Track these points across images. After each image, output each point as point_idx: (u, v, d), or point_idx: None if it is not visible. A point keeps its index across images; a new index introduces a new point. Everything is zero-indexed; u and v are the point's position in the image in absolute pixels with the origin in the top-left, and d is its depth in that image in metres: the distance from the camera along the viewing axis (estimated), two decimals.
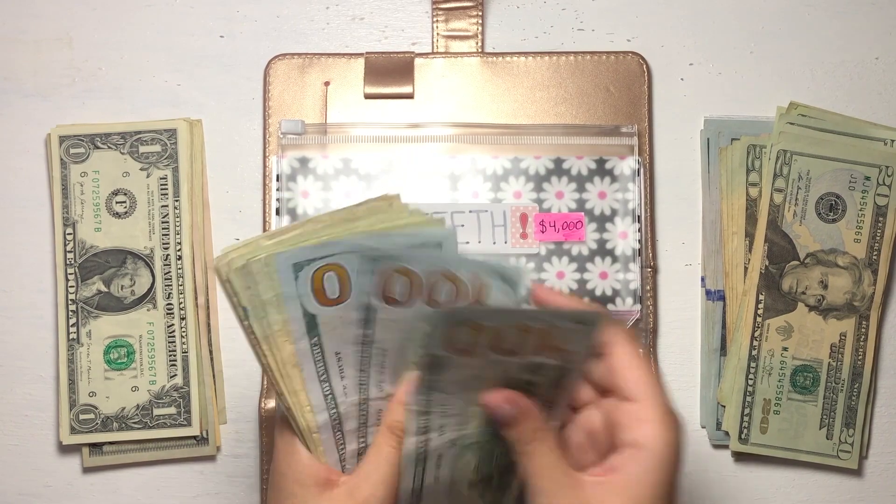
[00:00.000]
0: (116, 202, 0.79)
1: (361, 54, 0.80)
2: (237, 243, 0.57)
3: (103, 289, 0.78)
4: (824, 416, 0.78)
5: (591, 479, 0.57)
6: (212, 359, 0.78)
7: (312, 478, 0.59)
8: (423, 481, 0.61)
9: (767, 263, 0.78)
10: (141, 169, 0.79)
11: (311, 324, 0.57)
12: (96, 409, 0.77)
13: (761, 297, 0.78)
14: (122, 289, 0.78)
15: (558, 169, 0.78)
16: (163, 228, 0.78)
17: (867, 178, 0.78)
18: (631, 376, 0.58)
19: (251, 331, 0.57)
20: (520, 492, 0.61)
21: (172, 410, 0.77)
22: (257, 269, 0.56)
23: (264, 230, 0.79)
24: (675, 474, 0.57)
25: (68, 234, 0.78)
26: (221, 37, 0.81)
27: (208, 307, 0.79)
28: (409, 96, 0.80)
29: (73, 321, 0.78)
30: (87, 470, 0.79)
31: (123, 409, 0.77)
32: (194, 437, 0.78)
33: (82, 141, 0.79)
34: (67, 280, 0.78)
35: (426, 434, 0.60)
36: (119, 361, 0.78)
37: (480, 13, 0.81)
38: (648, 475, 0.56)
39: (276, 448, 0.61)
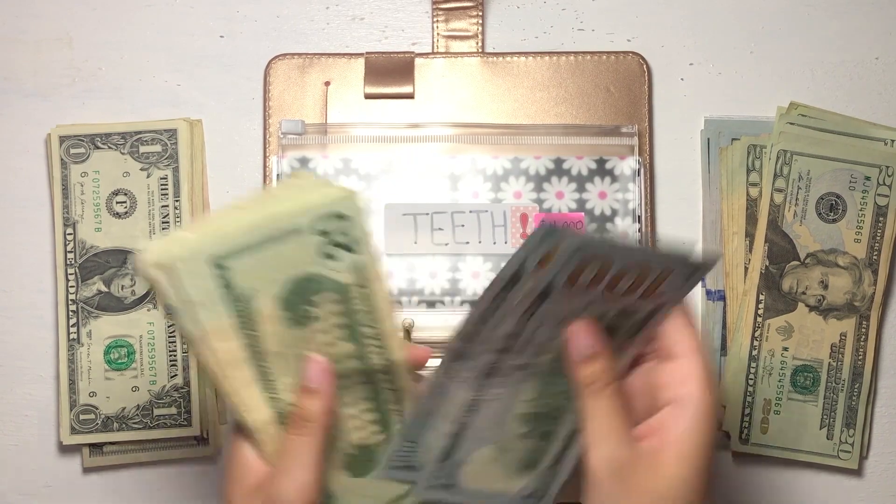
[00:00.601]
0: (117, 202, 0.79)
1: (361, 54, 0.80)
2: (159, 240, 0.55)
3: (104, 289, 0.78)
4: (824, 417, 0.78)
5: (639, 436, 0.58)
6: None
7: (251, 478, 0.59)
8: (482, 396, 0.62)
9: (768, 263, 0.78)
10: (141, 169, 0.79)
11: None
12: (97, 409, 0.77)
13: (761, 297, 0.78)
14: (122, 289, 0.78)
15: (558, 169, 0.78)
16: (163, 228, 0.78)
17: (867, 178, 0.78)
18: (677, 336, 0.58)
19: (185, 330, 0.56)
20: (563, 446, 0.62)
21: (173, 411, 0.77)
22: (176, 266, 0.54)
23: None
24: (714, 435, 0.57)
25: (68, 234, 0.78)
26: (221, 37, 0.81)
27: None
28: (409, 96, 0.80)
29: (73, 321, 0.78)
30: (87, 470, 0.79)
31: (124, 409, 0.77)
32: (194, 438, 0.78)
33: (82, 141, 0.79)
34: (68, 280, 0.78)
35: (506, 353, 0.59)
36: (119, 361, 0.78)
37: (480, 13, 0.81)
38: (695, 431, 0.56)
39: (226, 449, 0.60)
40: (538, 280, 0.55)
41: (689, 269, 0.57)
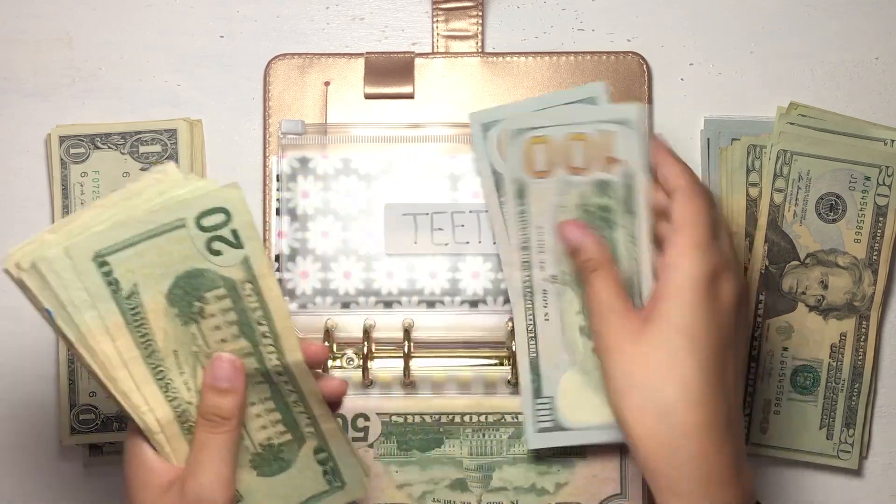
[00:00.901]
0: None
1: (361, 54, 0.80)
2: (22, 242, 0.54)
3: None
4: (824, 417, 0.78)
5: (643, 310, 0.63)
6: None
7: (157, 479, 0.58)
8: (535, 319, 0.70)
9: (767, 263, 0.78)
10: (141, 169, 0.79)
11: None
12: (96, 409, 0.77)
13: (761, 298, 0.78)
14: None
15: None
16: None
17: (867, 178, 0.78)
18: (679, 211, 0.63)
19: (62, 332, 0.54)
20: None
21: None
22: (45, 268, 0.53)
23: (264, 230, 0.79)
24: (707, 294, 0.61)
25: None
26: (221, 37, 0.81)
27: None
28: (409, 96, 0.80)
29: None
30: (87, 470, 0.79)
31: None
32: None
33: (82, 141, 0.79)
34: None
35: (528, 270, 0.70)
36: None
37: (480, 13, 0.81)
38: (675, 294, 0.61)
39: (124, 452, 0.60)
40: (509, 181, 0.66)
41: (619, 123, 0.66)
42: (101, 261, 0.53)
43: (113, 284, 0.54)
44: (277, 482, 0.61)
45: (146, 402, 0.57)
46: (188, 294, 0.56)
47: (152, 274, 0.55)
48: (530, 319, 0.71)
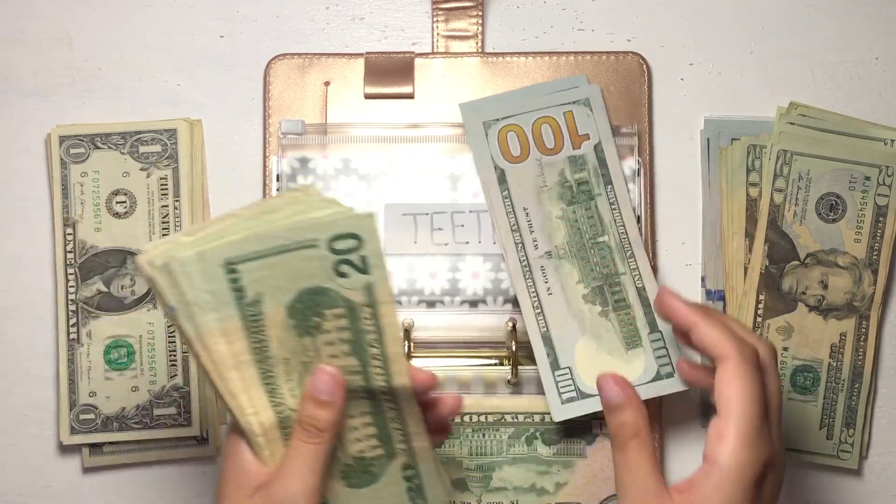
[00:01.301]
0: (116, 202, 0.79)
1: (361, 54, 0.80)
2: (158, 241, 0.56)
3: (103, 289, 0.78)
4: (824, 416, 0.78)
5: (675, 492, 0.57)
6: None
7: (249, 481, 0.58)
8: (538, 295, 0.72)
9: (767, 263, 0.78)
10: (141, 169, 0.79)
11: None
12: (96, 409, 0.77)
13: (761, 298, 0.78)
14: (122, 289, 0.78)
15: None
16: (163, 228, 0.78)
17: (867, 178, 0.78)
18: (725, 391, 0.58)
19: (182, 329, 0.56)
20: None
21: (173, 410, 0.77)
22: (176, 268, 0.54)
23: None
24: (753, 496, 0.57)
25: (68, 234, 0.78)
26: (221, 37, 0.81)
27: None
28: (409, 96, 0.80)
29: (73, 321, 0.78)
30: (87, 470, 0.79)
31: (123, 409, 0.77)
32: (194, 438, 0.78)
33: (82, 141, 0.79)
34: (67, 280, 0.78)
35: (523, 250, 0.73)
36: (119, 361, 0.78)
37: (480, 13, 0.81)
38: (717, 494, 0.56)
39: (223, 449, 0.60)
40: (489, 168, 0.69)
41: (581, 100, 0.71)
42: (230, 268, 0.55)
43: (238, 291, 0.56)
44: (363, 494, 0.62)
45: (252, 405, 0.58)
46: (308, 309, 0.57)
47: (277, 286, 0.56)
48: (534, 296, 0.73)
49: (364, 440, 0.61)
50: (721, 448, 0.57)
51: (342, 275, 0.56)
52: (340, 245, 0.56)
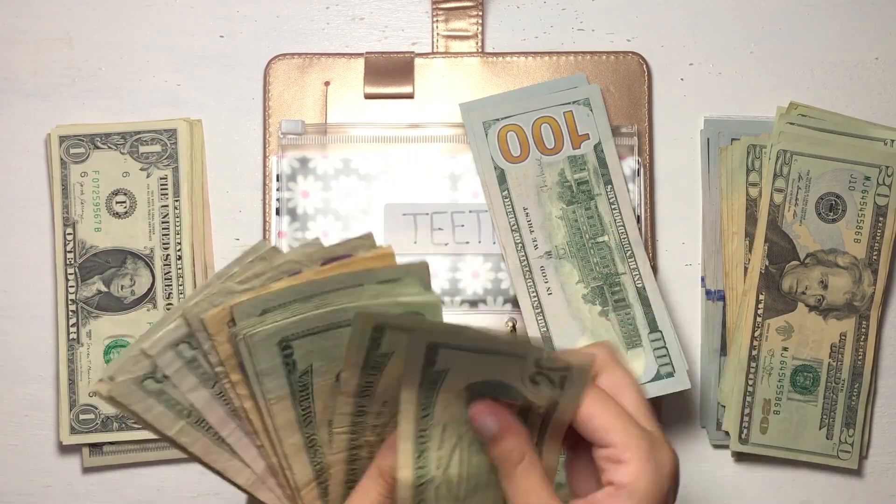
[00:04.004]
0: (116, 202, 0.79)
1: (361, 54, 0.80)
2: (239, 293, 0.54)
3: (103, 289, 0.78)
4: (824, 416, 0.78)
5: None
6: None
7: None
8: (538, 295, 0.72)
9: (767, 263, 0.78)
10: (141, 169, 0.79)
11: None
12: (96, 409, 0.77)
13: (761, 297, 0.78)
14: (122, 289, 0.78)
15: None
16: (163, 228, 0.78)
17: (867, 178, 0.78)
18: (600, 424, 0.55)
19: (247, 385, 0.55)
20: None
21: None
22: (256, 341, 0.54)
23: (264, 230, 0.79)
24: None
25: (68, 234, 0.78)
26: (221, 37, 0.81)
27: None
28: (409, 96, 0.80)
29: (73, 321, 0.78)
30: (87, 470, 0.79)
31: None
32: None
33: (82, 141, 0.79)
34: (67, 280, 0.78)
35: (523, 250, 0.73)
36: None
37: (480, 13, 0.81)
38: None
39: None
40: (489, 168, 0.69)
41: (581, 100, 0.68)
42: (285, 345, 0.55)
43: (290, 365, 0.55)
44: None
45: (293, 468, 0.58)
46: (360, 379, 0.56)
47: (331, 359, 0.56)
48: (534, 296, 0.73)
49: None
50: (622, 472, 0.54)
51: (389, 352, 0.55)
52: (394, 326, 0.54)
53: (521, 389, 0.55)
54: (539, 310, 0.73)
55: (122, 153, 0.79)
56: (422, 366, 0.53)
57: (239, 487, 0.58)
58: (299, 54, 0.80)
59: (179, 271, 0.78)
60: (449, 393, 0.55)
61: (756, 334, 0.78)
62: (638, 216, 0.77)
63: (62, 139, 0.79)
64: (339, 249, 0.56)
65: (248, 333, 0.54)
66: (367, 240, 0.56)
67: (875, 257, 0.78)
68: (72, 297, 0.78)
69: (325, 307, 0.55)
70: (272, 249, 0.55)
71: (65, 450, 0.79)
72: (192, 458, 0.57)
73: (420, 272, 0.55)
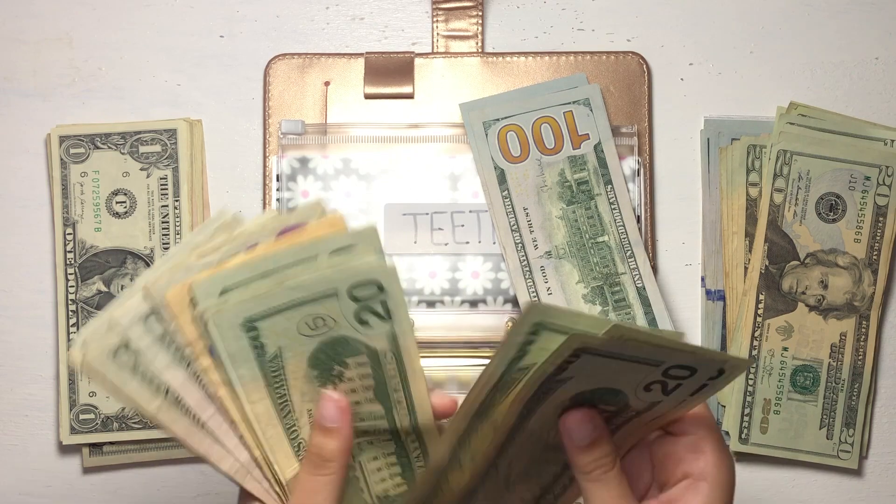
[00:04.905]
0: (116, 202, 0.79)
1: (361, 54, 0.80)
2: (165, 262, 0.53)
3: (103, 289, 0.78)
4: (824, 416, 0.78)
5: None
6: None
7: None
8: (538, 295, 0.71)
9: (767, 263, 0.78)
10: (141, 169, 0.79)
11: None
12: (96, 409, 0.77)
13: (761, 297, 0.78)
14: (122, 289, 0.78)
15: None
16: (163, 228, 0.78)
17: (867, 178, 0.78)
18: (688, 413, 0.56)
19: (219, 371, 0.54)
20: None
21: None
22: (214, 324, 0.53)
23: None
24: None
25: (68, 234, 0.78)
26: (221, 37, 0.81)
27: None
28: (409, 96, 0.80)
29: (73, 321, 0.78)
30: (87, 470, 0.79)
31: (123, 409, 0.77)
32: None
33: (82, 141, 0.79)
34: (67, 280, 0.78)
35: (523, 250, 0.73)
36: None
37: (480, 13, 0.81)
38: None
39: None
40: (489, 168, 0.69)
41: (581, 100, 0.67)
42: (250, 325, 0.54)
43: (259, 348, 0.54)
44: None
45: (283, 457, 0.56)
46: (330, 359, 0.56)
47: (298, 339, 0.55)
48: (534, 296, 0.74)
49: (389, 479, 0.60)
50: (704, 463, 0.55)
51: (364, 322, 0.55)
52: (361, 292, 0.54)
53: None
54: None
55: (122, 153, 0.79)
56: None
57: (224, 474, 0.57)
58: (299, 54, 0.80)
59: None
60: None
61: (756, 334, 0.78)
62: (638, 216, 0.77)
63: (62, 139, 0.79)
64: (291, 219, 0.55)
65: (212, 313, 0.52)
66: (317, 207, 0.56)
67: (875, 257, 0.78)
68: (72, 297, 0.78)
69: (284, 283, 0.53)
70: (234, 218, 0.55)
71: (65, 450, 0.79)
72: (177, 440, 0.55)
73: (371, 237, 0.54)
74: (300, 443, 0.57)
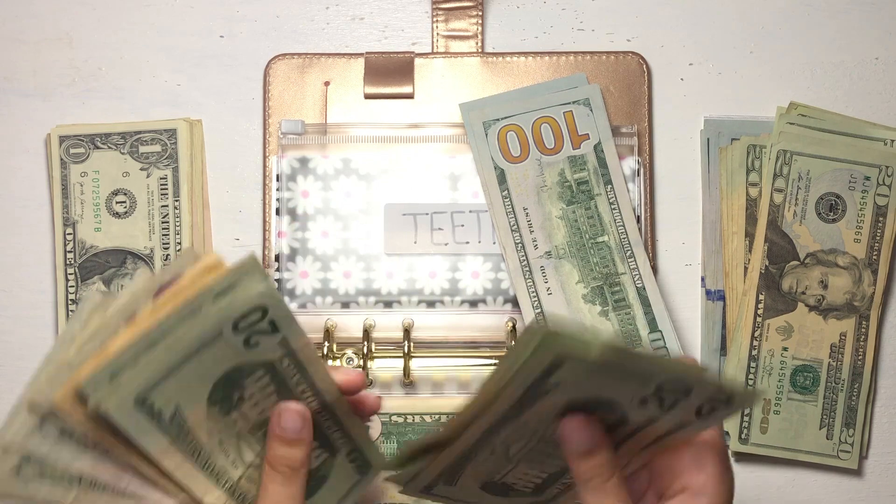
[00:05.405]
0: (116, 202, 0.79)
1: (361, 54, 0.80)
2: (49, 367, 0.51)
3: (103, 289, 0.78)
4: (824, 416, 0.78)
5: None
6: None
7: None
8: (538, 295, 0.71)
9: (767, 263, 0.78)
10: (141, 169, 0.79)
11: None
12: None
13: (761, 297, 0.78)
14: (122, 289, 0.78)
15: None
16: (163, 228, 0.78)
17: (867, 178, 0.78)
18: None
19: (125, 445, 0.53)
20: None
21: None
22: (114, 411, 0.51)
23: (264, 230, 0.79)
24: None
25: (68, 234, 0.78)
26: (221, 37, 0.81)
27: None
28: (409, 96, 0.80)
29: None
30: None
31: None
32: None
33: (82, 141, 0.79)
34: (67, 280, 0.78)
35: (523, 250, 0.73)
36: None
37: (480, 13, 0.81)
38: None
39: None
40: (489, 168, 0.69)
41: (582, 100, 0.67)
42: (142, 400, 0.51)
43: (156, 416, 0.52)
44: (319, 496, 0.61)
45: (201, 489, 0.56)
46: (227, 390, 0.55)
47: (194, 390, 0.53)
48: (534, 296, 0.73)
49: (315, 459, 0.60)
50: (704, 478, 0.55)
51: (253, 345, 0.53)
52: (245, 323, 0.52)
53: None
54: (539, 310, 0.73)
55: (122, 153, 0.79)
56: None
57: None
58: (299, 54, 0.80)
59: None
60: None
61: (756, 334, 0.78)
62: (638, 216, 0.77)
63: (62, 139, 0.79)
64: (165, 275, 0.52)
65: (104, 409, 0.50)
66: (188, 254, 0.53)
67: (875, 257, 0.78)
68: (72, 297, 0.78)
69: (173, 347, 0.51)
70: (104, 296, 0.52)
71: None
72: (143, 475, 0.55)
73: (252, 267, 0.52)
74: (218, 473, 0.57)
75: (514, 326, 0.76)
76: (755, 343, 0.78)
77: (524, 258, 0.74)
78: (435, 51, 0.81)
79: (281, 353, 0.55)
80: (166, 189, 0.79)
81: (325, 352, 0.75)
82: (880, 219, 0.78)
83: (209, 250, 0.79)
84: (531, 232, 0.74)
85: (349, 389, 0.59)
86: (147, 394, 0.51)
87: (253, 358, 0.54)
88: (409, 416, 0.76)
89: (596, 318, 0.73)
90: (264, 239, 0.79)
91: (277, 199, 0.78)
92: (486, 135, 0.75)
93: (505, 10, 0.82)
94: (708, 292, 0.79)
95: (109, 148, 0.79)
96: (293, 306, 0.76)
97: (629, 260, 0.74)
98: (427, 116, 0.79)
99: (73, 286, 0.78)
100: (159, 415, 0.52)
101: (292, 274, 0.77)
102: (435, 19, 0.81)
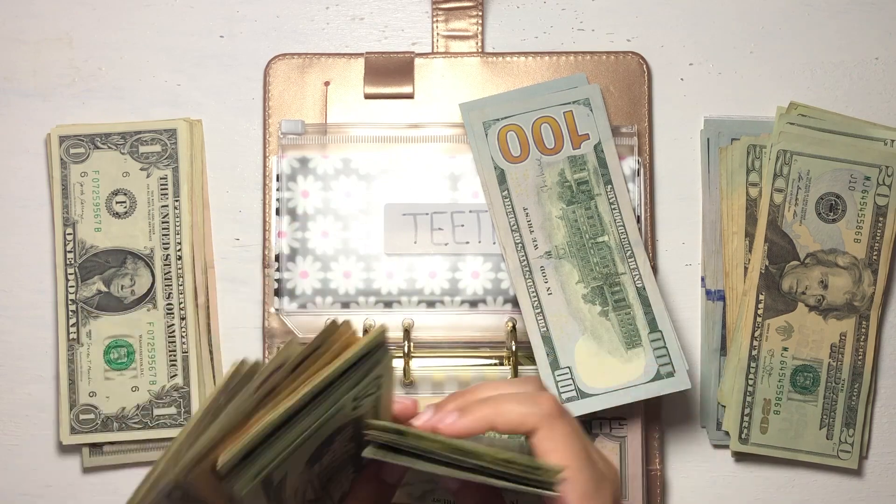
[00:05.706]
0: (116, 202, 0.79)
1: (361, 54, 0.80)
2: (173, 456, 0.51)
3: (103, 289, 0.78)
4: (824, 416, 0.78)
5: None
6: (212, 359, 0.78)
7: None
8: (538, 295, 0.72)
9: (767, 263, 0.78)
10: (141, 169, 0.79)
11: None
12: (96, 409, 0.77)
13: (761, 297, 0.78)
14: (122, 289, 0.78)
15: None
16: (163, 228, 0.78)
17: (867, 178, 0.78)
18: (525, 409, 0.58)
19: None
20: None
21: (172, 410, 0.77)
22: (247, 493, 0.52)
23: (264, 230, 0.79)
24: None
25: (68, 234, 0.78)
26: (221, 37, 0.81)
27: (208, 307, 0.79)
28: (409, 96, 0.80)
29: (73, 321, 0.78)
30: (87, 470, 0.79)
31: (123, 409, 0.77)
32: None
33: (82, 141, 0.79)
34: (67, 280, 0.78)
35: (523, 250, 0.73)
36: (119, 361, 0.78)
37: (480, 13, 0.81)
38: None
39: None
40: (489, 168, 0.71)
41: (581, 100, 0.71)
42: (268, 478, 0.53)
43: (267, 486, 0.54)
44: None
45: None
46: (323, 448, 0.56)
47: (302, 457, 0.55)
48: (534, 296, 0.73)
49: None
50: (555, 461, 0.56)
51: (358, 408, 0.56)
52: (364, 394, 0.55)
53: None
54: (539, 310, 0.73)
55: (122, 153, 0.79)
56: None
57: None
58: (299, 54, 0.80)
59: (179, 271, 0.78)
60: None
61: (756, 334, 0.78)
62: (638, 216, 0.77)
63: (62, 139, 0.79)
64: (307, 349, 0.53)
65: (238, 495, 0.52)
66: (331, 327, 0.54)
67: (875, 257, 0.78)
68: (72, 297, 0.78)
69: (305, 426, 0.53)
70: (251, 368, 0.52)
71: (65, 450, 0.79)
72: None
73: (381, 342, 0.54)
74: None
75: (514, 326, 0.76)
76: (755, 343, 0.78)
77: (524, 258, 0.74)
78: (435, 51, 0.81)
79: (371, 406, 0.57)
80: (166, 189, 0.79)
81: None
82: (880, 219, 0.78)
83: (209, 250, 0.79)
84: (531, 232, 0.74)
85: (403, 419, 0.61)
86: (273, 471, 0.53)
87: (353, 416, 0.56)
88: None
89: (596, 318, 0.73)
90: (264, 239, 0.79)
91: (277, 199, 0.78)
92: (486, 135, 0.75)
93: (505, 10, 0.82)
94: (708, 292, 0.79)
95: (109, 148, 0.79)
96: (293, 306, 0.76)
97: (629, 260, 0.74)
98: (427, 116, 0.79)
99: (73, 286, 0.78)
100: (270, 483, 0.54)
101: (292, 274, 0.77)
102: (435, 19, 0.81)
